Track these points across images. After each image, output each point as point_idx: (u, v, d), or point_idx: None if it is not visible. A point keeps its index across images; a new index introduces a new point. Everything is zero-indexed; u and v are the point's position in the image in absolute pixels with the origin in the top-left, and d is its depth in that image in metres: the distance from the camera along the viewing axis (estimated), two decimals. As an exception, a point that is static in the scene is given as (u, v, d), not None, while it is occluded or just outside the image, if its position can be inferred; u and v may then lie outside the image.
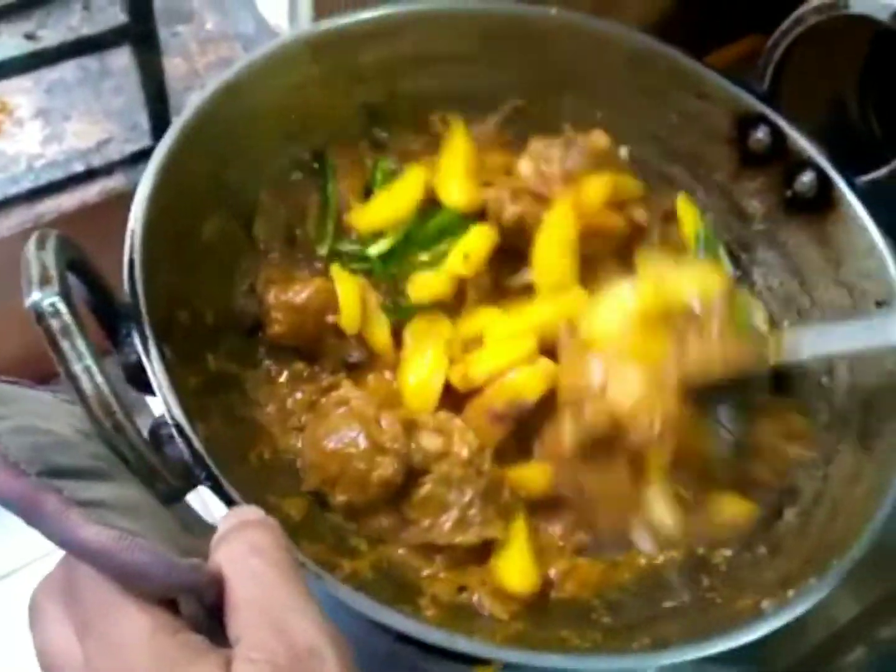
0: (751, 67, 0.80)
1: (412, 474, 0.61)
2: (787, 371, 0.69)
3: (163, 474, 0.46)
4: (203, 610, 0.37)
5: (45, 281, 0.44)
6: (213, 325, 0.65)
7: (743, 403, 0.69)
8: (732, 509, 0.64)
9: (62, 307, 0.44)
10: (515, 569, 0.61)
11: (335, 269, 0.68)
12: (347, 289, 0.67)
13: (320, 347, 0.68)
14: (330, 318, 0.67)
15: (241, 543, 0.38)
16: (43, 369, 0.74)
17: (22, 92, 0.83)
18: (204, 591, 0.37)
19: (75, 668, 0.36)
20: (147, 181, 0.59)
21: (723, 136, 0.75)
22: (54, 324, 0.43)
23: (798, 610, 0.53)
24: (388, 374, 0.68)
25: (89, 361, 0.44)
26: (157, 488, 0.46)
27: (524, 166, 0.71)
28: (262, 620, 0.35)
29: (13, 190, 0.78)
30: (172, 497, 0.48)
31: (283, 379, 0.67)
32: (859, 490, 0.61)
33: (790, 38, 0.72)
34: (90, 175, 0.80)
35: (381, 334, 0.68)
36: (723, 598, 0.59)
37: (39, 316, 0.44)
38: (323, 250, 0.71)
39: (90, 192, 0.80)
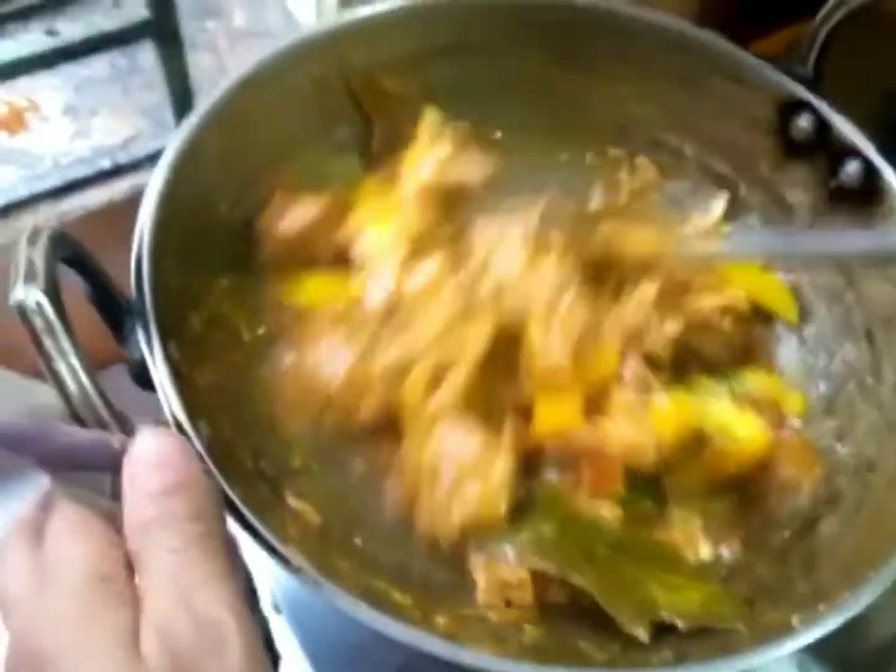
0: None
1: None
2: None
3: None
4: None
5: (30, 277, 0.43)
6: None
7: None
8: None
9: (46, 304, 0.43)
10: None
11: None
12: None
13: None
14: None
15: (160, 518, 0.38)
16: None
17: (51, 89, 0.83)
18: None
19: (21, 612, 0.37)
20: (158, 177, 0.59)
21: (764, 124, 0.71)
22: (37, 321, 0.42)
23: (829, 626, 0.49)
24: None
25: (73, 360, 0.42)
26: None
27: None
28: (169, 589, 0.36)
29: (39, 187, 0.78)
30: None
31: None
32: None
33: (835, 20, 0.68)
34: (116, 172, 0.80)
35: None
36: (753, 610, 0.56)
37: (23, 313, 0.43)
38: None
39: (116, 190, 0.79)
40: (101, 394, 0.43)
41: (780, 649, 0.49)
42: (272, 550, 0.48)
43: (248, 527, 0.49)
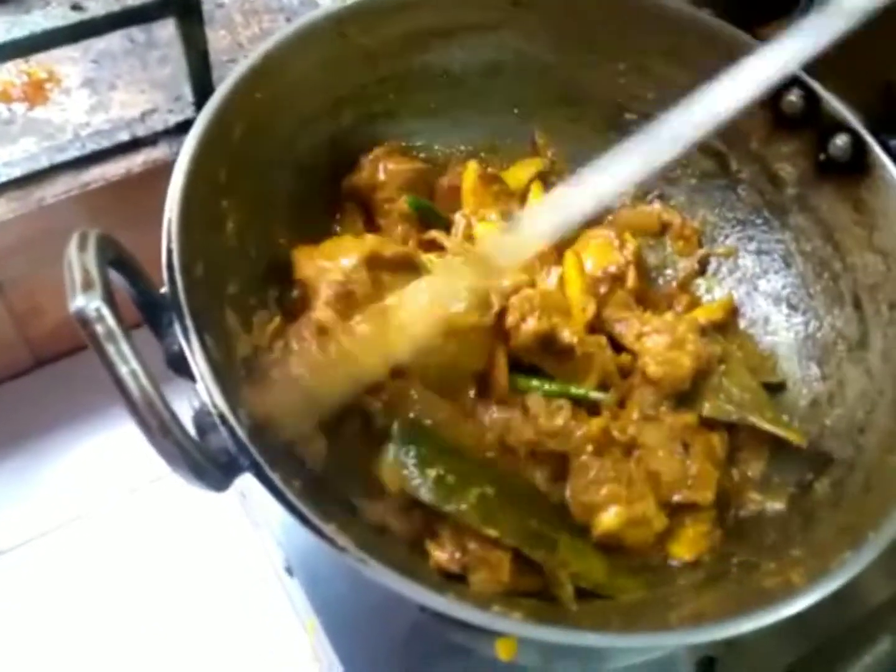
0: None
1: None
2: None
3: (209, 469, 0.48)
4: None
5: (87, 285, 0.46)
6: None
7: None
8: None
9: (106, 312, 0.45)
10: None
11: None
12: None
13: None
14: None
15: None
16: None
17: (70, 61, 0.84)
18: None
19: None
20: (180, 170, 0.59)
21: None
22: (99, 329, 0.45)
23: (833, 584, 0.52)
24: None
25: (134, 364, 0.45)
26: (205, 481, 0.49)
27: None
28: None
29: (60, 158, 0.80)
30: (220, 486, 0.51)
31: None
32: (894, 460, 0.60)
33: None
34: (135, 144, 0.82)
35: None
36: (758, 570, 0.59)
37: (84, 321, 0.45)
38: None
39: (134, 162, 0.82)
40: (163, 398, 0.46)
41: (786, 609, 0.51)
42: (315, 529, 0.50)
43: (290, 507, 0.51)
